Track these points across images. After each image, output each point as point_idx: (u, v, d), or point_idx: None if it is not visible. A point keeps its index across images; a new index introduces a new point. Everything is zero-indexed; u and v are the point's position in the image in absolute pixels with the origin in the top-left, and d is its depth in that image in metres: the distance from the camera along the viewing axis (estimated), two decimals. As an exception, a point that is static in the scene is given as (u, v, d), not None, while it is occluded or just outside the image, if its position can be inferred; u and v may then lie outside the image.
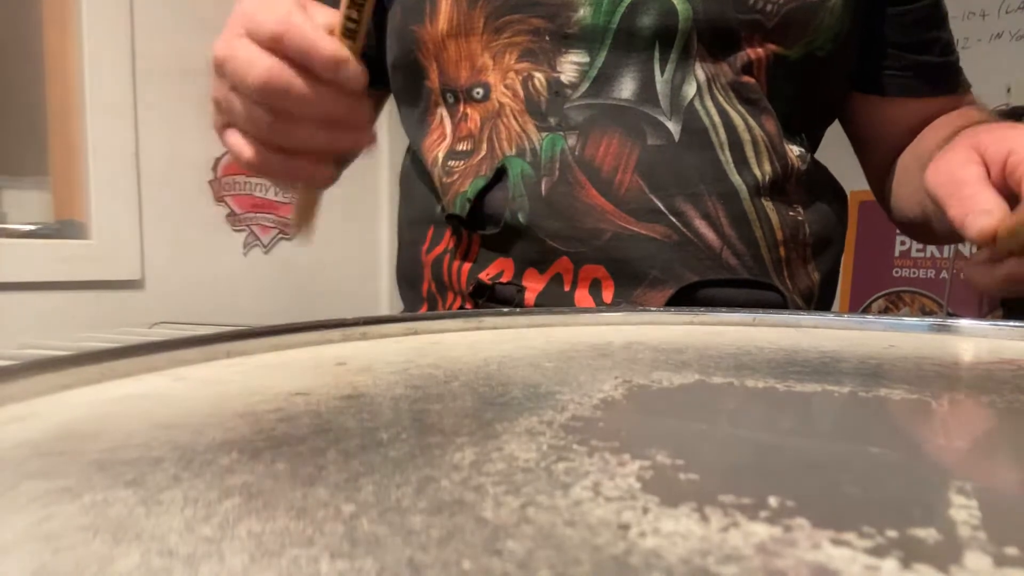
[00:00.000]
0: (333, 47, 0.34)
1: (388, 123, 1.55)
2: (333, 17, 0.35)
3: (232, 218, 1.51)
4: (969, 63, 0.59)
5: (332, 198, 0.41)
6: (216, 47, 0.37)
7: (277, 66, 0.34)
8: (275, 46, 0.34)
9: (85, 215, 1.28)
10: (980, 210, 0.35)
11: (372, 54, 0.62)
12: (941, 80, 0.57)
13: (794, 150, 0.53)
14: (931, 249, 1.88)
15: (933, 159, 0.43)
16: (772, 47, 0.50)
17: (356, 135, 0.37)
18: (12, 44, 1.28)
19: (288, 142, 0.37)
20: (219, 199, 1.49)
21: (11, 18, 1.27)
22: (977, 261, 0.38)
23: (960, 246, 1.77)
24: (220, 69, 0.37)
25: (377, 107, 0.70)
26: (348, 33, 0.35)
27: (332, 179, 0.41)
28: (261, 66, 0.34)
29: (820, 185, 0.56)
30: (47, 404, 0.19)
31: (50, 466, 0.14)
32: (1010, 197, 0.36)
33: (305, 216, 0.43)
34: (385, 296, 1.83)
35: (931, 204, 0.45)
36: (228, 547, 0.10)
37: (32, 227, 1.27)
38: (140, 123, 1.32)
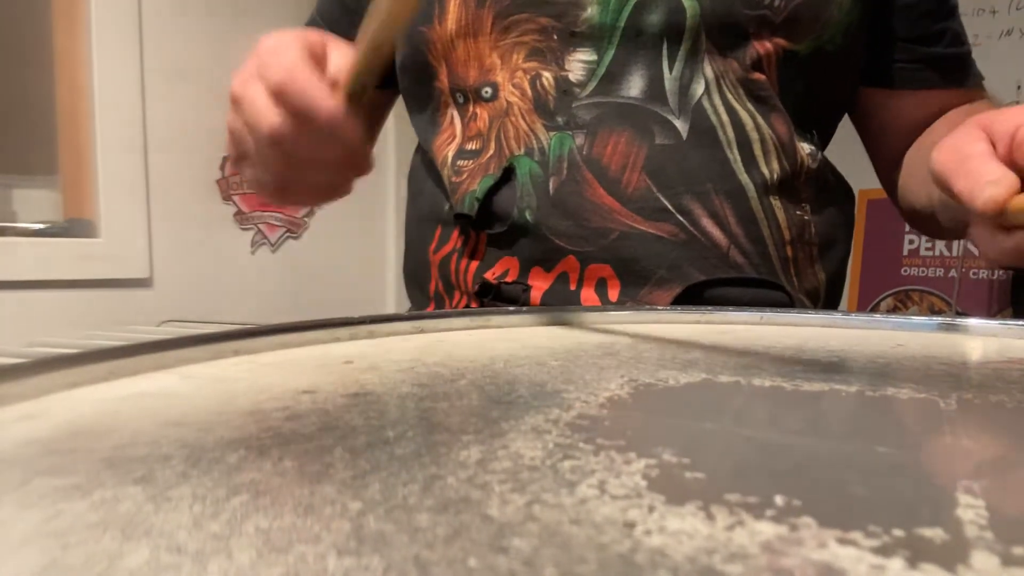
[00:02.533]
0: (331, 109, 0.35)
1: (395, 122, 1.55)
2: (345, 60, 0.37)
3: (240, 217, 1.52)
4: (979, 60, 0.58)
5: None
6: (234, 83, 0.39)
7: (282, 120, 0.36)
8: (279, 99, 0.36)
9: (94, 214, 1.29)
10: (987, 181, 0.35)
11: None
12: (951, 72, 0.57)
13: (805, 148, 0.52)
14: (940, 248, 1.87)
15: (939, 142, 0.42)
16: (781, 42, 0.50)
17: (359, 171, 0.40)
18: (22, 45, 1.29)
19: (297, 180, 0.40)
20: (227, 198, 1.49)
21: (21, 19, 1.28)
22: (984, 232, 0.38)
23: (968, 245, 1.76)
24: (236, 105, 0.39)
25: (386, 107, 0.70)
26: (352, 94, 0.37)
27: (345, 193, 0.42)
28: (268, 119, 0.36)
29: (829, 184, 0.56)
30: (56, 402, 0.19)
31: (59, 463, 0.14)
32: (1019, 173, 0.35)
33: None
34: (392, 295, 1.83)
35: (937, 192, 0.44)
36: (236, 544, 0.10)
37: (41, 226, 1.27)
38: (148, 123, 1.33)
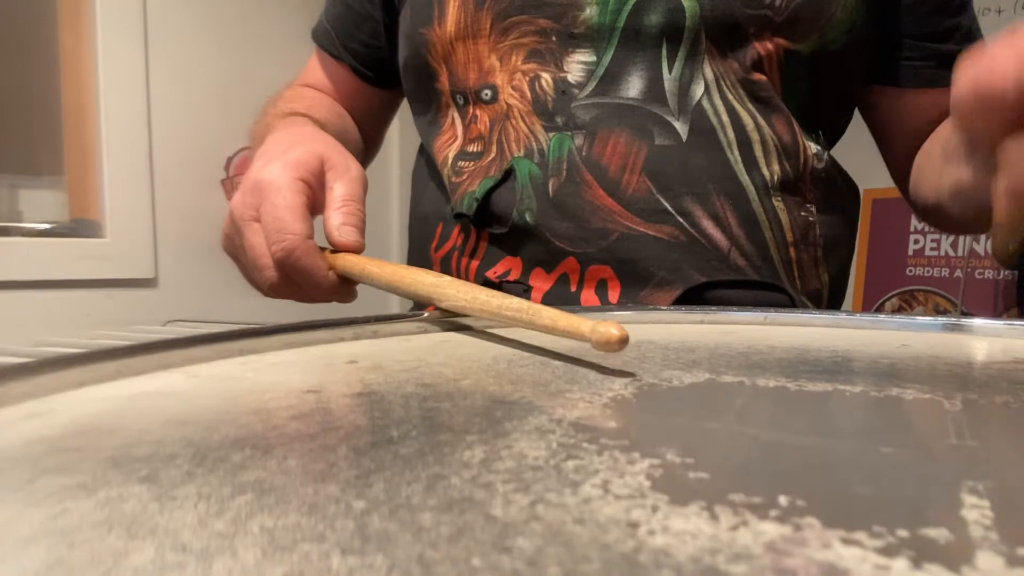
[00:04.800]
0: (328, 287, 0.41)
1: (399, 123, 1.55)
2: (347, 221, 0.42)
3: (244, 217, 1.52)
4: (983, 62, 0.58)
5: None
6: (233, 206, 0.43)
7: (280, 280, 0.41)
8: (280, 266, 0.40)
9: (100, 214, 1.29)
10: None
11: (385, 55, 0.63)
12: None
13: (811, 148, 0.52)
14: (945, 247, 1.86)
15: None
16: (782, 42, 0.49)
17: (344, 300, 0.44)
18: (28, 45, 1.29)
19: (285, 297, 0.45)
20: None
21: (27, 19, 1.28)
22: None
23: (974, 244, 1.76)
24: (235, 229, 0.43)
25: (391, 107, 0.70)
26: (347, 279, 0.41)
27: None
28: (267, 276, 0.41)
29: (836, 184, 0.55)
30: (62, 401, 0.20)
31: (65, 462, 0.14)
32: None
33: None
34: (395, 295, 1.83)
35: (947, 182, 0.44)
36: (241, 542, 0.10)
37: (47, 226, 1.28)
38: (154, 123, 1.34)
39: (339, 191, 0.42)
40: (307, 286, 0.41)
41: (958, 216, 0.51)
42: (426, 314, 0.35)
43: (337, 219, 0.41)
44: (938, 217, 0.57)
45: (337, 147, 0.45)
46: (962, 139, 0.41)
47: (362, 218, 0.43)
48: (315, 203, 0.42)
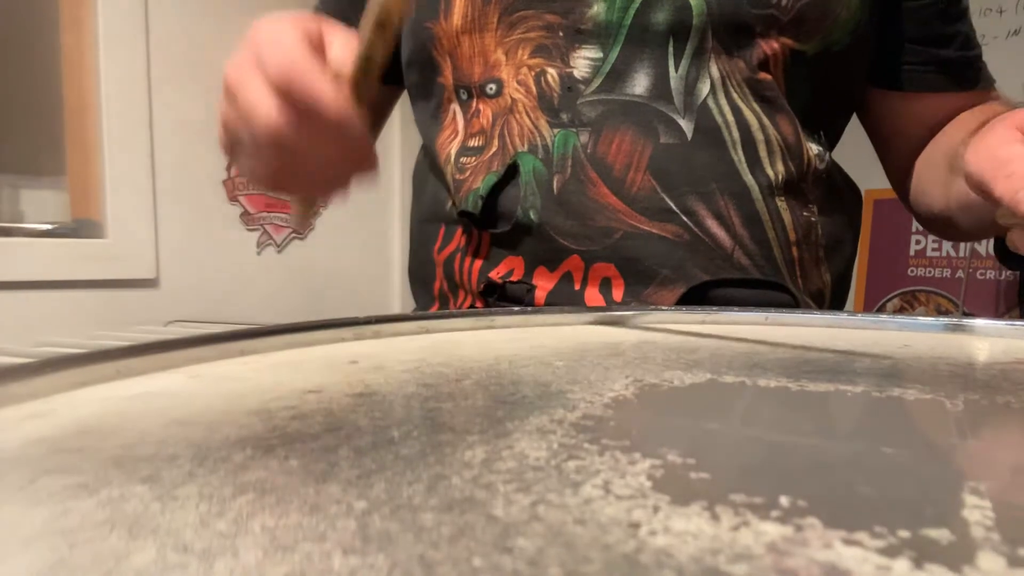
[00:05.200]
0: (336, 103, 0.34)
1: (400, 121, 1.55)
2: (346, 50, 0.36)
3: (246, 217, 1.52)
4: (986, 60, 0.58)
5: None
6: (227, 70, 0.37)
7: (284, 114, 0.34)
8: (280, 91, 0.34)
9: (101, 214, 1.29)
10: None
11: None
12: (962, 75, 0.56)
13: (813, 148, 0.52)
14: (947, 248, 1.86)
15: (971, 143, 0.42)
16: (788, 42, 0.49)
17: (360, 167, 0.38)
18: (29, 45, 1.29)
19: (294, 173, 0.38)
20: (232, 198, 1.50)
21: (28, 19, 1.28)
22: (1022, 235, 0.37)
23: (976, 245, 1.75)
24: (230, 94, 0.37)
25: (390, 103, 0.70)
26: (356, 87, 0.35)
27: (343, 194, 0.41)
28: (268, 112, 0.35)
29: (837, 185, 0.56)
30: (64, 401, 0.20)
31: (67, 462, 0.14)
32: None
33: (306, 207, 0.43)
34: (397, 295, 1.84)
35: (955, 195, 0.44)
36: (242, 542, 0.10)
37: (49, 226, 1.28)
38: (155, 123, 1.34)
39: (338, 40, 0.37)
40: (312, 103, 0.34)
41: (967, 227, 0.51)
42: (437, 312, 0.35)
43: (337, 52, 0.36)
44: (944, 227, 0.57)
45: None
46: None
47: None
48: (316, 52, 0.36)
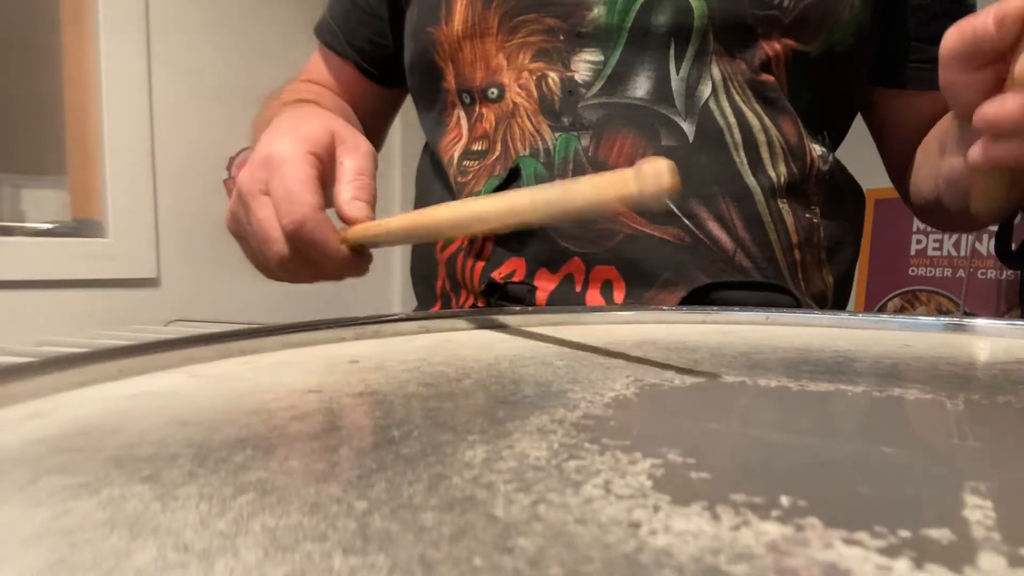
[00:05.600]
0: (341, 259, 0.39)
1: (401, 122, 1.55)
2: (358, 196, 0.40)
3: (246, 217, 1.52)
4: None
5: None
6: (241, 181, 0.41)
7: (289, 254, 0.40)
8: (290, 238, 0.39)
9: (102, 214, 1.30)
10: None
11: (390, 53, 0.63)
12: None
13: (816, 149, 0.52)
14: (948, 248, 1.86)
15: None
16: (790, 43, 0.49)
17: (354, 276, 0.43)
18: (30, 45, 1.29)
19: (292, 278, 0.43)
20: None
21: (29, 19, 1.28)
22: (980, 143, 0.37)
23: (977, 244, 1.75)
24: (243, 205, 0.41)
25: (395, 106, 0.70)
26: (360, 245, 0.40)
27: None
28: (276, 249, 0.40)
29: (840, 186, 0.55)
30: (64, 401, 0.20)
31: (68, 462, 0.14)
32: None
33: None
34: (397, 295, 1.84)
35: (943, 174, 0.44)
36: (242, 542, 0.10)
37: (50, 226, 1.28)
38: (156, 123, 1.34)
39: (349, 165, 0.41)
40: (319, 259, 0.39)
41: (954, 208, 0.51)
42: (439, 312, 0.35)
43: (348, 193, 0.40)
44: (937, 214, 0.57)
45: (346, 124, 0.44)
46: (956, 118, 0.41)
47: (373, 192, 0.42)
48: (325, 177, 0.41)
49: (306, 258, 0.40)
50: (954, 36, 0.37)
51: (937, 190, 0.52)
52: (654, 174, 0.20)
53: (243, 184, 0.41)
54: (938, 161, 0.49)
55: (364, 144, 0.43)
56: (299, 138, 0.40)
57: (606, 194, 0.23)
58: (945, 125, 0.52)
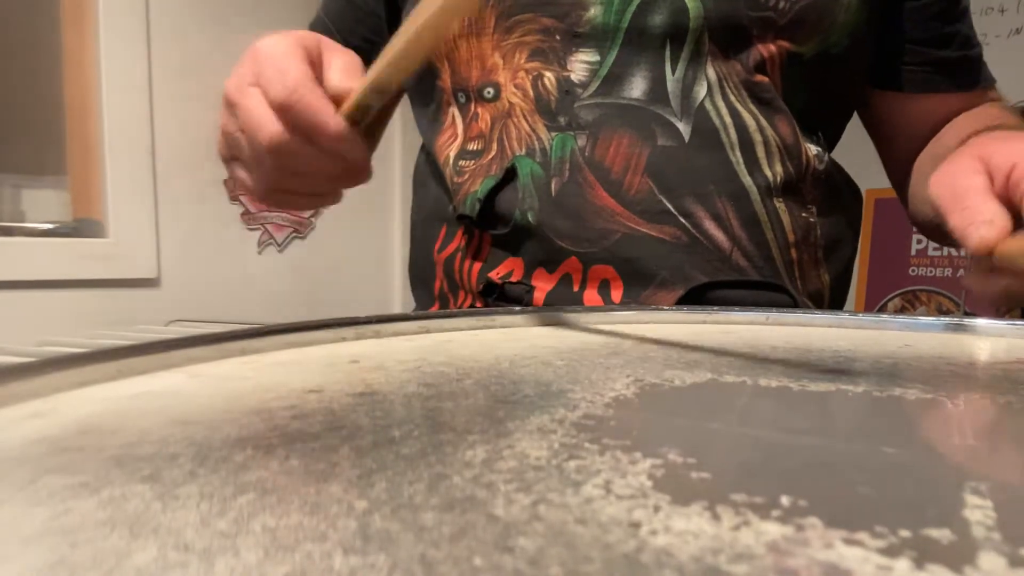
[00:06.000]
0: (335, 128, 0.35)
1: (401, 122, 1.55)
2: (346, 73, 0.36)
3: (247, 217, 1.52)
4: (987, 59, 0.58)
5: (345, 198, 0.42)
6: (228, 85, 0.38)
7: (283, 133, 0.36)
8: (282, 114, 0.35)
9: (102, 214, 1.30)
10: (980, 221, 0.34)
11: None
12: (961, 75, 0.56)
13: (811, 149, 0.52)
14: (948, 248, 1.86)
15: (938, 168, 0.42)
16: (785, 45, 0.49)
17: (356, 182, 0.39)
18: (30, 44, 1.29)
19: (291, 188, 0.39)
20: (234, 198, 1.50)
21: (29, 19, 1.28)
22: (976, 271, 0.38)
23: (977, 245, 1.75)
24: (231, 107, 0.38)
25: (391, 105, 0.70)
26: (356, 116, 0.36)
27: (336, 201, 0.42)
28: (268, 130, 0.36)
29: (837, 185, 0.55)
30: (65, 400, 0.20)
31: (68, 461, 0.14)
32: (1013, 212, 0.35)
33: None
34: (398, 295, 1.84)
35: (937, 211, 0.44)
36: (243, 542, 0.10)
37: (50, 226, 1.28)
38: (156, 123, 1.34)
39: (337, 63, 0.38)
40: (316, 134, 0.36)
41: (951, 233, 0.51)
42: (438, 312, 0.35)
43: (337, 75, 0.37)
44: (936, 234, 0.57)
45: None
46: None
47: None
48: (315, 71, 0.38)
49: (303, 139, 0.36)
50: (935, 204, 0.38)
51: (937, 219, 0.52)
52: None
53: (229, 87, 0.38)
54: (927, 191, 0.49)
55: (351, 52, 0.40)
56: (287, 36, 0.38)
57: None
58: (945, 146, 0.52)
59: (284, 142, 0.36)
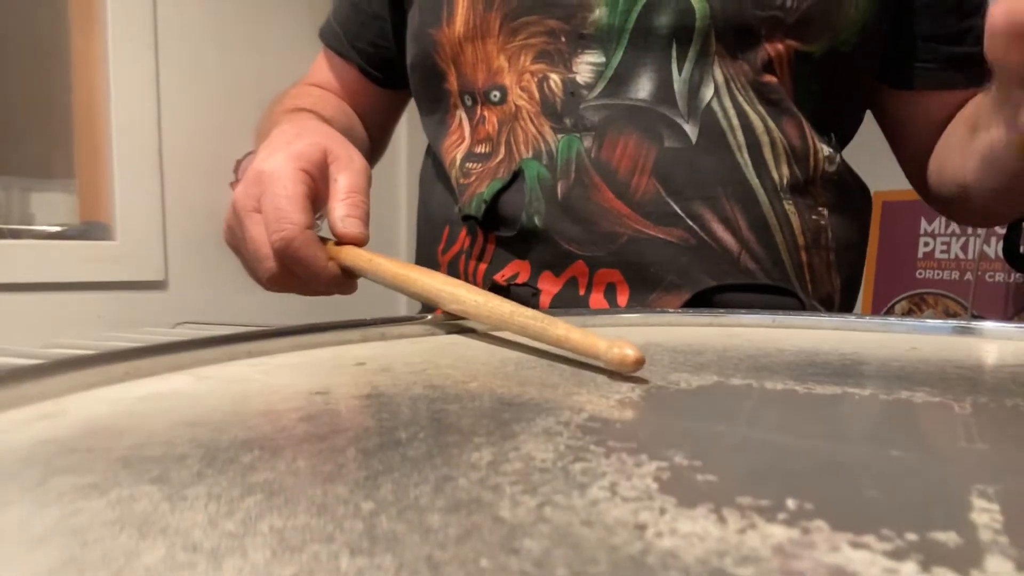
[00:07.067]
0: (328, 277, 0.41)
1: (407, 124, 1.55)
2: (350, 219, 0.41)
3: (253, 219, 1.52)
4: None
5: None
6: (236, 196, 0.42)
7: (279, 271, 0.41)
8: (279, 256, 0.40)
9: (110, 217, 1.30)
10: None
11: (392, 55, 0.63)
12: (974, 71, 0.56)
13: (824, 150, 0.52)
14: (955, 250, 1.85)
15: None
16: (793, 44, 0.49)
17: (345, 292, 0.44)
18: (39, 48, 1.30)
19: (289, 287, 0.44)
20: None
21: (37, 22, 1.29)
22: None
23: (985, 247, 1.74)
24: (237, 222, 0.42)
25: (399, 108, 0.71)
26: (347, 269, 0.41)
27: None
28: (266, 266, 0.41)
29: (847, 187, 0.55)
30: (74, 402, 0.20)
31: (77, 463, 0.14)
32: None
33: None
34: (403, 297, 1.83)
35: (983, 148, 0.44)
36: (250, 542, 0.10)
37: (58, 228, 1.29)
38: (164, 126, 1.34)
39: (343, 183, 0.42)
40: (306, 277, 0.41)
41: (987, 190, 0.50)
42: (429, 317, 0.35)
43: (341, 211, 0.41)
44: (961, 204, 0.56)
45: (340, 140, 0.45)
46: (996, 86, 0.40)
47: (366, 210, 0.42)
48: (318, 195, 0.42)
49: (295, 274, 0.41)
50: (1001, 17, 0.36)
51: (966, 176, 0.51)
52: (620, 356, 0.23)
53: (237, 200, 0.42)
54: (969, 142, 0.49)
55: (358, 160, 0.44)
56: (291, 154, 0.41)
57: (574, 343, 0.26)
58: (970, 111, 0.51)
59: (280, 276, 0.41)
